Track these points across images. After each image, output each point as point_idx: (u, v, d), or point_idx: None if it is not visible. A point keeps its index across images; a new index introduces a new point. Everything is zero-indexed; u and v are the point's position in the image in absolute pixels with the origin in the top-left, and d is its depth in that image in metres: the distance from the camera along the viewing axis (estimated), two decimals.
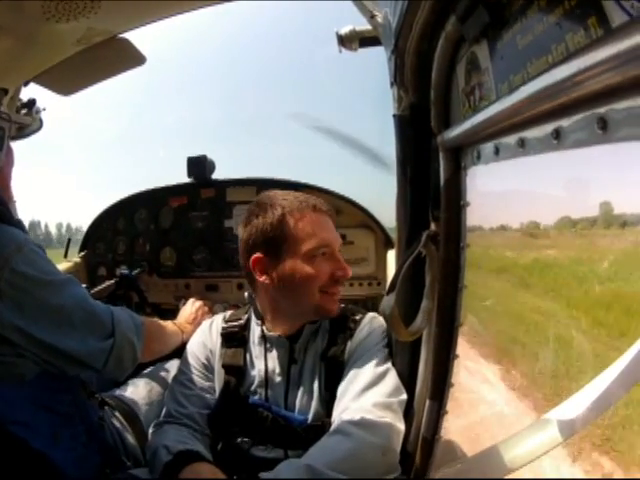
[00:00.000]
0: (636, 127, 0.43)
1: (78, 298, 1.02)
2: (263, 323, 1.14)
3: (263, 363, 1.12)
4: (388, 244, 1.81)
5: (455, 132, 0.80)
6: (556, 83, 0.49)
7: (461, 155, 0.84)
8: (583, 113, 0.50)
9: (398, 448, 0.97)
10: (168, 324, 1.31)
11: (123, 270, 1.85)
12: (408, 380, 1.04)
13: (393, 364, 1.07)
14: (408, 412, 1.04)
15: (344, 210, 1.86)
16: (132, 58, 1.33)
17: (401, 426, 0.98)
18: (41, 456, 0.93)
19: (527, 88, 0.55)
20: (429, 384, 0.99)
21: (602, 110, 0.47)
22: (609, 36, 0.42)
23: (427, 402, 1.01)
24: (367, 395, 1.00)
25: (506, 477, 0.97)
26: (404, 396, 1.03)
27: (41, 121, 1.50)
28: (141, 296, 1.85)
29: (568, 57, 0.48)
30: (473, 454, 1.28)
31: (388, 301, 0.81)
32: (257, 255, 1.08)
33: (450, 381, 0.98)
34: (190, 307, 1.53)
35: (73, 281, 1.05)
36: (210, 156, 1.97)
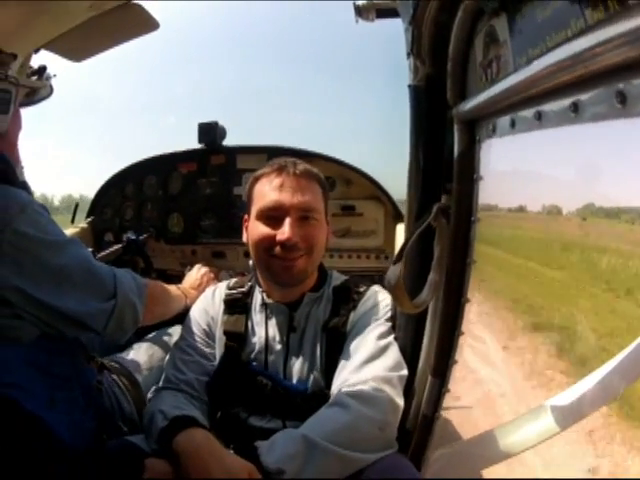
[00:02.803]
0: None
1: (80, 259, 1.01)
2: (264, 291, 1.14)
3: (264, 330, 1.12)
4: (397, 217, 1.80)
5: (471, 104, 0.80)
6: (574, 55, 0.49)
7: (476, 128, 0.83)
8: (601, 86, 0.49)
9: (396, 424, 0.96)
10: (172, 288, 1.30)
11: (130, 235, 1.83)
12: (410, 356, 1.04)
13: (396, 339, 1.06)
14: (409, 388, 1.03)
15: (354, 181, 1.85)
16: (145, 24, 1.32)
17: (400, 402, 0.98)
18: (36, 419, 0.91)
19: (544, 60, 0.55)
20: (432, 360, 0.99)
21: (621, 84, 0.46)
22: (626, 11, 0.41)
23: (429, 379, 1.01)
24: (367, 368, 0.99)
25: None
26: (405, 371, 1.02)
27: (51, 87, 1.49)
28: (147, 261, 1.84)
29: (586, 30, 0.47)
30: (471, 437, 1.27)
31: (394, 271, 0.80)
32: (245, 217, 1.16)
33: (454, 358, 0.97)
34: (195, 273, 1.53)
35: (76, 242, 1.04)
36: (222, 123, 1.95)
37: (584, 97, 0.52)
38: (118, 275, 1.06)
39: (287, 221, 1.05)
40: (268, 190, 1.07)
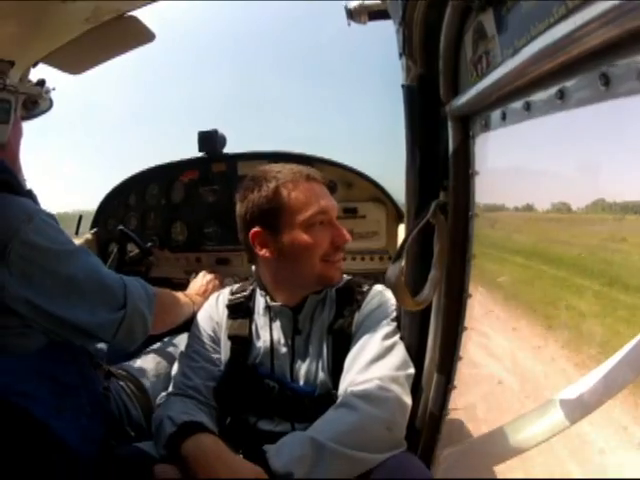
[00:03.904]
0: (637, 81, 0.44)
1: (89, 268, 1.01)
2: (267, 293, 1.14)
3: (268, 333, 1.12)
4: (399, 218, 1.80)
5: (463, 99, 0.80)
6: (557, 40, 0.50)
7: (469, 123, 0.84)
8: (585, 71, 0.50)
9: (404, 423, 0.96)
10: (180, 295, 1.30)
11: (120, 227, 1.83)
12: (416, 354, 1.04)
13: (401, 337, 1.06)
14: (416, 387, 1.03)
15: (355, 183, 1.85)
16: (141, 35, 1.33)
17: (408, 401, 0.97)
18: (43, 426, 0.91)
19: (529, 48, 0.56)
20: (437, 358, 0.99)
21: (603, 66, 0.47)
22: None
23: (435, 376, 1.01)
24: (374, 368, 0.99)
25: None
26: (411, 370, 1.02)
27: (51, 101, 1.50)
28: (147, 268, 1.86)
29: (566, 15, 0.48)
30: (480, 434, 1.27)
31: (393, 269, 0.80)
32: (256, 229, 1.08)
33: (459, 354, 0.97)
34: (201, 279, 1.53)
35: (84, 250, 1.04)
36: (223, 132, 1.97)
37: (569, 83, 0.53)
38: (128, 284, 1.06)
39: (338, 224, 1.09)
40: (308, 198, 1.06)
